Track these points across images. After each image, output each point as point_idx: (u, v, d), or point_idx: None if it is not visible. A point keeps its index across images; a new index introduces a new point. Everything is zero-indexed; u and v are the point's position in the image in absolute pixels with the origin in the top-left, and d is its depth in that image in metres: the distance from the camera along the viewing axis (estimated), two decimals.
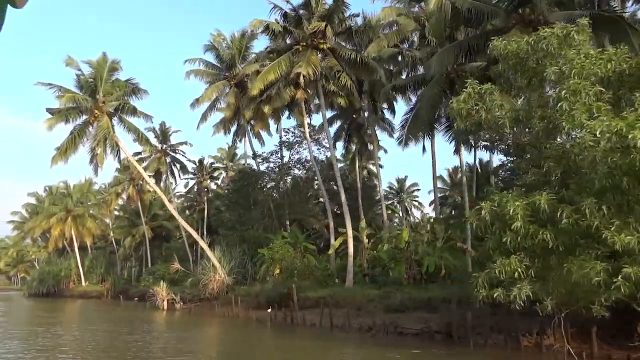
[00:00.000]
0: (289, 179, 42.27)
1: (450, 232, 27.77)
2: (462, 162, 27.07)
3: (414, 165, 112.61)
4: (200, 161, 58.93)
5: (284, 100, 31.81)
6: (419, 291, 22.72)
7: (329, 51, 27.08)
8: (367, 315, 20.25)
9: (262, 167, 42.28)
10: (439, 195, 72.32)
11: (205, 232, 59.44)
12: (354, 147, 46.50)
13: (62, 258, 78.65)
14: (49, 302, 51.23)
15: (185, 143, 54.11)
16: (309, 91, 32.78)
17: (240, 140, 57.16)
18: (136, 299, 53.26)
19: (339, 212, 57.14)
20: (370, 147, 49.46)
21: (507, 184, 31.40)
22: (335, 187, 45.00)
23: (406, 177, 77.93)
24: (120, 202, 79.45)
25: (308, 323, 21.45)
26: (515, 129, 12.47)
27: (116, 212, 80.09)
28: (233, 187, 41.22)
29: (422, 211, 79.09)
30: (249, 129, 51.39)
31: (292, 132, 39.93)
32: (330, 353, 16.71)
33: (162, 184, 57.57)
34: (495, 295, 10.54)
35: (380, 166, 63.60)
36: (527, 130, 12.41)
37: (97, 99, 32.92)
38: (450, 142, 29.14)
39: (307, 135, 35.54)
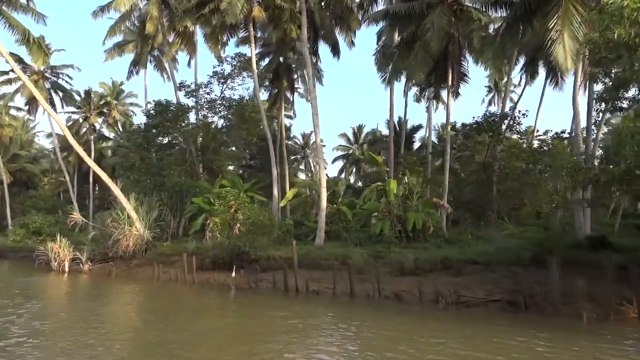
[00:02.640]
0: (216, 118, 36.02)
1: (425, 186, 25.27)
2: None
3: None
4: (88, 92, 48.35)
5: (235, 17, 25.56)
6: (412, 251, 19.75)
7: None
8: (378, 281, 16.58)
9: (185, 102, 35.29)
10: (342, 153, 71.44)
11: (91, 179, 49.86)
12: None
13: None
14: None
15: (72, 66, 43.25)
16: (265, 13, 27.05)
17: (137, 73, 48.34)
18: None
19: (251, 162, 52.11)
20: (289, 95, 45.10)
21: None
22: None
23: (312, 132, 75.08)
24: None
25: (308, 290, 16.88)
26: None
27: None
28: (147, 123, 33.64)
29: (325, 167, 77.50)
30: (154, 56, 43.05)
31: (230, 62, 33.48)
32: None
33: (33, 116, 46.11)
34: None
35: (290, 117, 59.65)
36: None
37: None
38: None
39: (255, 65, 29.72)
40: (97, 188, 55.15)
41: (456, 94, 23.92)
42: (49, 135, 61.07)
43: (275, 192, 30.08)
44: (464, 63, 24.25)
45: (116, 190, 27.33)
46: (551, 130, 29.70)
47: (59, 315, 14.73)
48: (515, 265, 15.32)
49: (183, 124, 34.44)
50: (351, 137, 69.97)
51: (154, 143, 33.93)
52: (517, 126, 29.15)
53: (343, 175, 69.56)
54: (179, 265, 24.38)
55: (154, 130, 33.49)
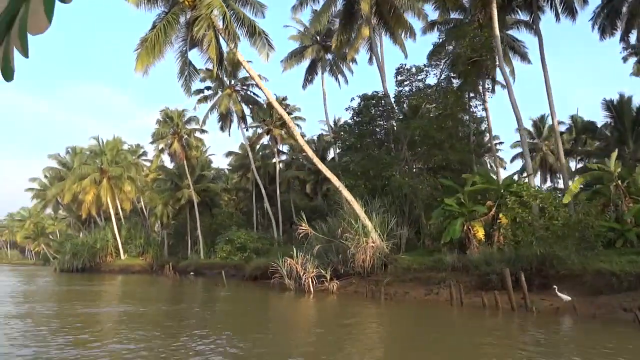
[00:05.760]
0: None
1: None
2: None
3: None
4: (269, 104, 47.11)
5: None
6: None
7: None
8: None
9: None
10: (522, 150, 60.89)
11: (278, 193, 48.69)
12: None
13: (86, 229, 68.36)
14: (98, 278, 40.39)
15: (260, 77, 41.89)
16: None
17: (310, 81, 45.92)
18: (192, 274, 43.07)
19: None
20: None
21: None
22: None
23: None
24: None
25: None
26: None
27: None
28: (356, 119, 29.81)
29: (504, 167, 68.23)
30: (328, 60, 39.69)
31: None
32: None
33: (227, 132, 46.20)
34: None
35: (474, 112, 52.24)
36: None
37: None
38: None
39: (496, 30, 23.73)
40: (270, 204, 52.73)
41: None
42: (228, 154, 62.49)
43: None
44: None
45: (349, 196, 23.45)
46: None
47: None
48: None
49: (395, 118, 30.02)
50: (532, 130, 59.72)
51: (364, 142, 29.97)
52: None
53: (524, 175, 59.80)
54: (447, 284, 19.31)
55: (364, 128, 29.58)
